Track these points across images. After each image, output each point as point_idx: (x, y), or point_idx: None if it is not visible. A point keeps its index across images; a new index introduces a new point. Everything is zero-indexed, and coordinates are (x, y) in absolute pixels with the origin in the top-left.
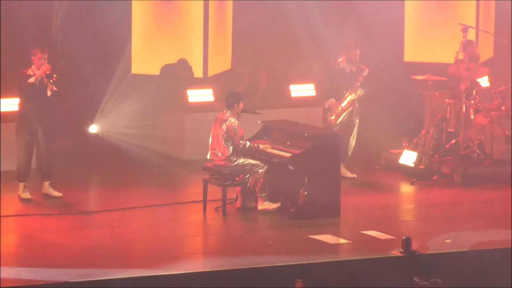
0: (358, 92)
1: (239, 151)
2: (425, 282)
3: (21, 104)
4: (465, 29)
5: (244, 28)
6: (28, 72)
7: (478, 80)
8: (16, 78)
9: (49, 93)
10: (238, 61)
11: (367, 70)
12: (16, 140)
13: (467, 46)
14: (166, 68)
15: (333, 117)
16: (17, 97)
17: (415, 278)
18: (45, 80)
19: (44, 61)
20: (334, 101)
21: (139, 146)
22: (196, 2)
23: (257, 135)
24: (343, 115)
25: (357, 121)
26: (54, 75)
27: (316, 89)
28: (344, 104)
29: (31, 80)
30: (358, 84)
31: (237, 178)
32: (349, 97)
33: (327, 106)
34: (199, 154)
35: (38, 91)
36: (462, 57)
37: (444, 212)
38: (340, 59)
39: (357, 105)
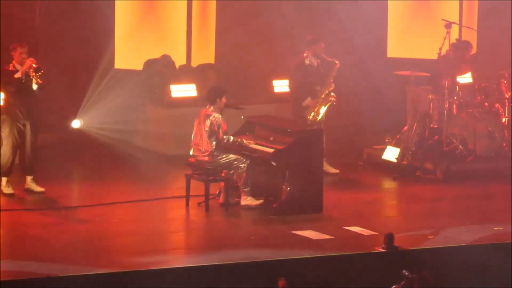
0: (333, 86)
1: (222, 146)
2: (414, 275)
3: (7, 99)
4: (448, 25)
5: (228, 22)
6: (10, 68)
7: (460, 76)
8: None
9: (34, 87)
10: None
11: (338, 64)
12: (1, 135)
13: (466, 48)
14: (149, 63)
15: (312, 114)
16: (2, 92)
17: (404, 271)
18: (34, 74)
19: (25, 55)
20: (310, 99)
21: (122, 141)
22: None
23: (240, 130)
24: (323, 112)
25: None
26: (42, 68)
27: (289, 85)
28: (321, 100)
29: (18, 75)
30: (332, 79)
31: (220, 174)
32: (325, 93)
33: (304, 106)
34: (181, 149)
35: (24, 85)
36: (445, 52)
37: (427, 208)
38: (304, 55)
39: (334, 100)
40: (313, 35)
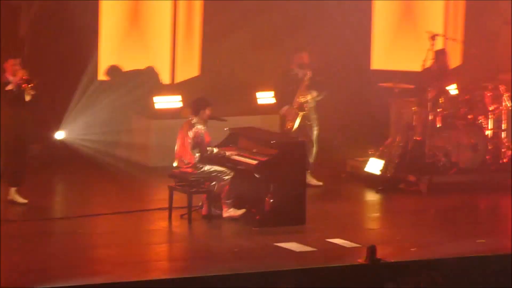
0: (309, 96)
1: (206, 158)
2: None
3: (1, 111)
4: (433, 37)
5: (213, 34)
6: (2, 80)
7: (447, 88)
8: None
9: (27, 98)
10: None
11: (309, 73)
12: None
13: (440, 55)
14: (133, 75)
15: (287, 124)
16: None
17: (389, 284)
18: (25, 85)
19: (17, 67)
20: (288, 107)
21: (105, 153)
22: (164, 8)
23: (224, 142)
24: (298, 120)
25: (316, 128)
26: (34, 80)
27: (275, 96)
28: (295, 110)
29: (9, 87)
30: (304, 88)
31: (204, 186)
32: (298, 102)
33: (281, 114)
34: (165, 161)
35: (16, 97)
36: (429, 65)
37: (410, 220)
38: (292, 66)
39: (306, 109)
40: (296, 45)
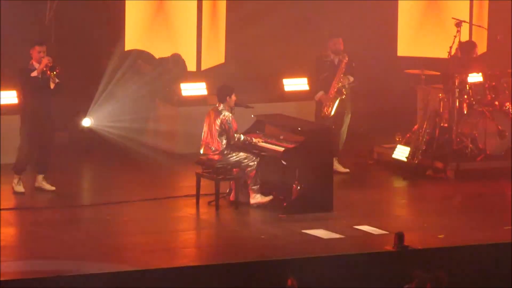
0: (347, 80)
1: (233, 145)
2: (427, 275)
3: (25, 99)
4: (458, 24)
5: (238, 21)
6: (28, 67)
7: (471, 74)
8: (15, 73)
9: (52, 86)
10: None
11: (347, 57)
12: (18, 134)
13: (470, 49)
14: (160, 62)
15: (325, 110)
16: (17, 91)
17: (416, 271)
18: (49, 72)
19: (43, 54)
20: (323, 93)
21: (132, 140)
22: None
23: (250, 129)
24: (335, 106)
25: (349, 115)
26: (57, 67)
27: (309, 83)
28: (332, 95)
29: (34, 74)
30: (342, 73)
31: (231, 172)
32: (337, 88)
33: (317, 100)
34: (192, 148)
35: (41, 85)
36: (455, 52)
37: (437, 207)
38: (325, 52)
39: (344, 94)
40: (331, 31)
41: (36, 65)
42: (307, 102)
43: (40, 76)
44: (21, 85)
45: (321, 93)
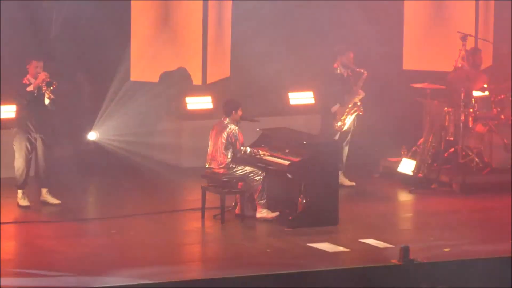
0: (361, 96)
1: (238, 158)
2: None
3: (19, 112)
4: (464, 38)
5: (243, 35)
6: (24, 81)
7: (479, 88)
8: (13, 87)
9: (46, 101)
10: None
11: (365, 73)
12: (14, 148)
13: (474, 54)
14: (165, 75)
15: (339, 124)
16: (14, 105)
17: (423, 285)
18: (45, 87)
19: (40, 70)
20: (340, 106)
21: (138, 153)
22: (195, 9)
23: (256, 142)
24: (350, 120)
25: (352, 128)
26: (54, 83)
27: (315, 97)
28: (348, 109)
29: (29, 88)
30: (359, 88)
31: (236, 186)
32: (353, 102)
33: (333, 112)
34: (197, 162)
35: (36, 99)
36: (460, 65)
37: (443, 221)
38: (335, 65)
39: (361, 109)
40: (341, 44)
41: (31, 80)
42: (313, 115)
43: (35, 91)
44: (16, 99)
45: (338, 105)
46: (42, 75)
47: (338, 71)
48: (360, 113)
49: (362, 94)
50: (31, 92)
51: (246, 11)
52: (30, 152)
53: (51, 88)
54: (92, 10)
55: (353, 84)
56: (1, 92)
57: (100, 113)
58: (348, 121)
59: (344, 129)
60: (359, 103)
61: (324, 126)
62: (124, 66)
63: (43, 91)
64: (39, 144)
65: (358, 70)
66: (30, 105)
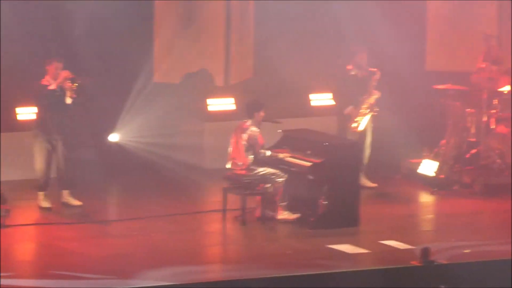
0: (375, 96)
1: (259, 160)
2: None
3: (40, 113)
4: (486, 38)
5: (266, 36)
6: (43, 82)
7: (500, 90)
8: (33, 88)
9: (69, 101)
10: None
11: (379, 73)
12: (34, 149)
13: (492, 51)
14: (187, 77)
15: (355, 125)
16: (34, 106)
17: (441, 286)
18: (70, 84)
19: (59, 71)
20: (353, 108)
21: (160, 155)
22: (218, 11)
23: (278, 144)
24: (366, 121)
25: (370, 130)
26: (79, 80)
27: (334, 98)
28: (363, 110)
29: (52, 86)
30: (372, 88)
31: (257, 188)
32: (367, 102)
33: (346, 114)
34: (219, 163)
35: (58, 99)
36: (484, 66)
37: (464, 222)
38: (349, 66)
39: (376, 109)
40: (355, 45)
41: (51, 81)
42: (333, 117)
43: (58, 89)
44: (37, 99)
45: (351, 107)
46: (64, 73)
47: (353, 72)
48: (375, 113)
49: (376, 94)
50: (54, 91)
51: (269, 11)
52: (51, 154)
53: (76, 84)
54: (116, 11)
55: (367, 85)
56: (18, 94)
57: (123, 115)
58: (364, 122)
59: (359, 130)
60: (373, 104)
61: (340, 128)
62: (147, 68)
63: (67, 88)
64: (60, 146)
65: (370, 70)
66: (51, 105)
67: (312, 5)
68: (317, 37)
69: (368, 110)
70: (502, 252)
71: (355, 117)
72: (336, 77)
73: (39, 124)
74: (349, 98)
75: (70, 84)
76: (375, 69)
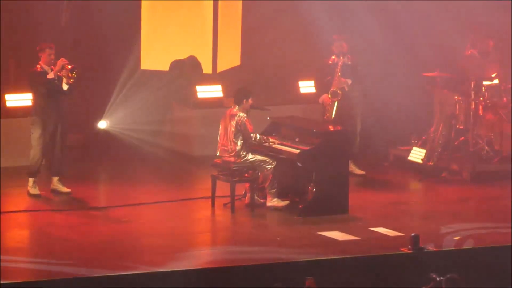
0: (343, 84)
1: (250, 144)
2: (442, 278)
3: (39, 101)
4: (475, 28)
5: (254, 23)
6: (37, 69)
7: (487, 77)
8: (31, 75)
9: (65, 87)
10: (247, 56)
11: (341, 60)
12: (31, 136)
13: (483, 41)
14: (175, 64)
15: (327, 113)
16: (31, 93)
17: (432, 274)
18: (70, 74)
19: (53, 56)
20: (325, 96)
21: (148, 142)
22: None
23: (266, 131)
24: (334, 109)
25: (358, 118)
26: (76, 69)
27: (315, 86)
28: (330, 97)
29: (50, 75)
30: (337, 76)
31: (246, 175)
32: (332, 89)
33: (320, 102)
34: (207, 150)
35: (55, 86)
36: (469, 52)
37: (453, 209)
38: (333, 56)
39: (339, 96)
40: (336, 35)
41: (45, 67)
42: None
43: (56, 78)
44: (35, 87)
45: (323, 96)
46: (61, 61)
47: (330, 61)
48: (337, 100)
49: (348, 81)
50: (52, 80)
51: None
52: (48, 141)
53: (74, 73)
54: None
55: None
56: (13, 81)
57: (111, 102)
58: (333, 110)
59: (332, 118)
60: (339, 92)
61: (321, 118)
62: (134, 55)
63: (63, 77)
64: (57, 133)
65: (336, 58)
66: (50, 93)
67: None
68: (305, 25)
69: (333, 98)
70: (490, 239)
71: (328, 106)
72: (318, 65)
73: (37, 111)
74: (325, 87)
75: (70, 74)
76: (341, 56)
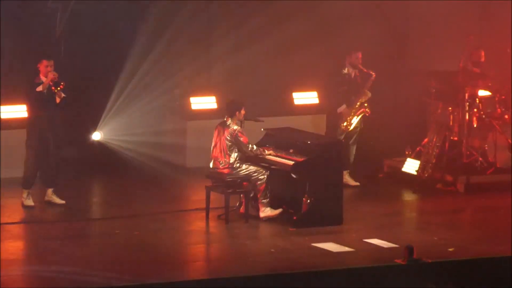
0: (368, 96)
1: (247, 156)
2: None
3: (31, 112)
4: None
5: (248, 35)
6: (36, 81)
7: (483, 88)
8: (23, 87)
9: (58, 100)
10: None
11: (374, 75)
12: (25, 148)
13: (476, 53)
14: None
15: (345, 124)
16: (25, 104)
17: (429, 284)
18: (53, 88)
19: (50, 69)
20: (346, 107)
21: (142, 153)
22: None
23: (260, 142)
24: (356, 121)
25: (359, 128)
26: (62, 83)
27: (319, 96)
28: (355, 110)
29: (39, 88)
30: (366, 89)
31: (240, 186)
32: (359, 102)
33: (339, 112)
34: (202, 162)
35: (47, 99)
36: (463, 64)
37: (447, 221)
38: (345, 69)
39: (368, 110)
40: (347, 44)
41: (43, 79)
42: (317, 115)
43: (45, 91)
44: (27, 99)
45: (344, 106)
46: (51, 75)
47: (346, 71)
48: (367, 114)
49: (368, 94)
50: (41, 92)
51: (252, 9)
52: (41, 153)
53: (59, 88)
54: (96, 10)
55: (360, 85)
56: (4, 93)
57: (105, 113)
58: (355, 121)
59: (350, 129)
60: (366, 104)
61: (329, 126)
62: (129, 67)
63: (53, 91)
64: (51, 144)
65: (366, 71)
66: (41, 105)
67: (295, 4)
68: (299, 36)
69: (361, 110)
70: (485, 251)
71: (347, 116)
72: (327, 76)
73: (32, 123)
74: (340, 98)
75: (54, 88)
76: (371, 71)
